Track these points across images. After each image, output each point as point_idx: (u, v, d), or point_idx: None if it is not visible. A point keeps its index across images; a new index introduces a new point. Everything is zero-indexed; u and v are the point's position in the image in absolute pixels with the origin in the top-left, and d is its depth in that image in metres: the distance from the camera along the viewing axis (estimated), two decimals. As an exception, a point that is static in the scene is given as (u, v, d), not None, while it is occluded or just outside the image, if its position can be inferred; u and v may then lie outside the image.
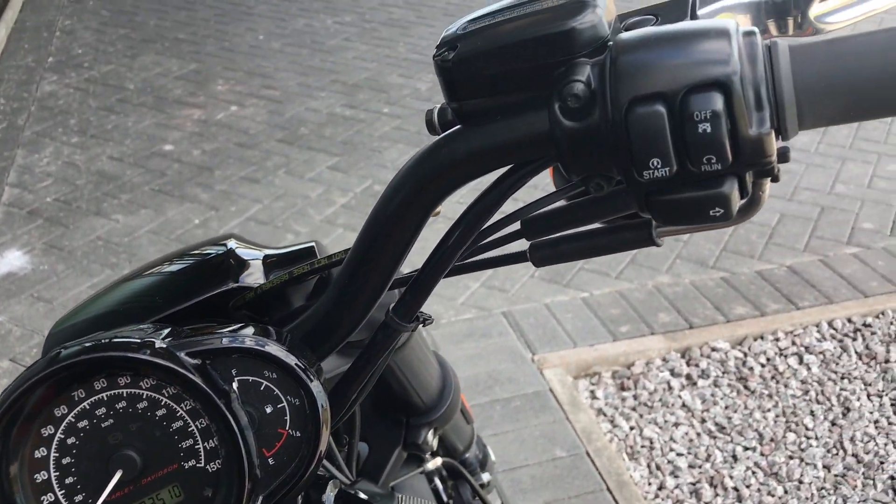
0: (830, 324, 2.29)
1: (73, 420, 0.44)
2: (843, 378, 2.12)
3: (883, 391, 2.07)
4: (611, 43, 0.40)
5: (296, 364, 0.46)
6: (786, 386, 2.10)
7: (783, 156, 0.41)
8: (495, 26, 0.42)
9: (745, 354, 2.20)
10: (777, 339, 2.24)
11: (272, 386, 0.46)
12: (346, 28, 4.63)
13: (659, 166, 0.39)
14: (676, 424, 2.01)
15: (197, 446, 0.44)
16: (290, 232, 2.75)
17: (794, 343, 2.23)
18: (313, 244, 0.62)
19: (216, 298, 0.56)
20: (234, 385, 0.45)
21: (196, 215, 2.86)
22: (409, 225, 0.46)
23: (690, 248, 2.62)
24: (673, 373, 2.15)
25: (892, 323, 2.29)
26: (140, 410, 0.44)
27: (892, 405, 2.04)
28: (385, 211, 0.46)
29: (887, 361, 2.17)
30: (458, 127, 0.45)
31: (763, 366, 2.17)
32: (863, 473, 1.86)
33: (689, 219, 0.40)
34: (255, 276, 0.59)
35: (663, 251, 2.58)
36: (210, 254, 0.62)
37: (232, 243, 0.62)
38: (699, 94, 0.37)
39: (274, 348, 0.46)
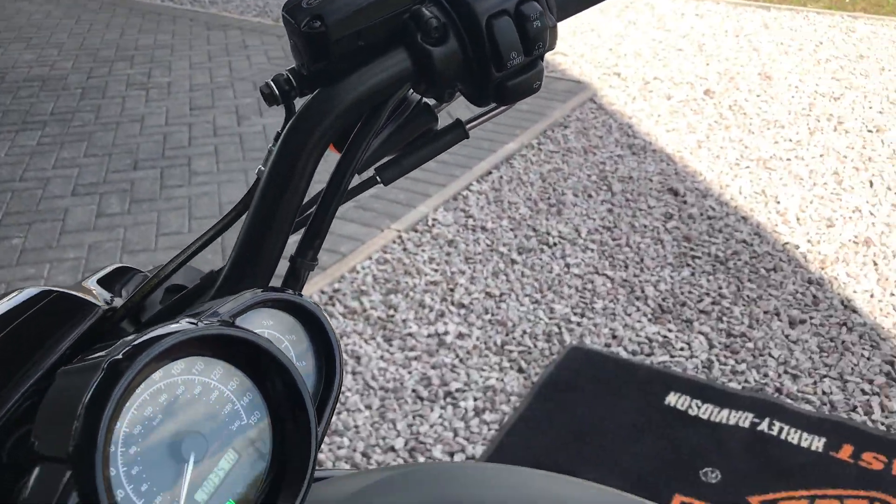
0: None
1: (137, 408, 0.42)
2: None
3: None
4: None
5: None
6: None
7: None
8: None
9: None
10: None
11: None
12: None
13: (516, 57, 0.56)
14: None
15: (243, 422, 0.46)
16: None
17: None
18: (120, 264, 0.63)
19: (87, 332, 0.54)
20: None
21: None
22: (304, 178, 0.54)
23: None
24: None
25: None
26: (195, 395, 0.45)
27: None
28: (277, 177, 0.54)
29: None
30: (318, 90, 0.55)
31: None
32: None
33: (525, 94, 0.58)
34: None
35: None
36: (33, 301, 0.57)
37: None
38: (527, 4, 0.56)
39: (288, 295, 0.50)
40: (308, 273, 0.57)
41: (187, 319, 0.45)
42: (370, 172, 0.62)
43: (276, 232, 0.55)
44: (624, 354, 2.36)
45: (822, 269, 2.78)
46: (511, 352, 2.38)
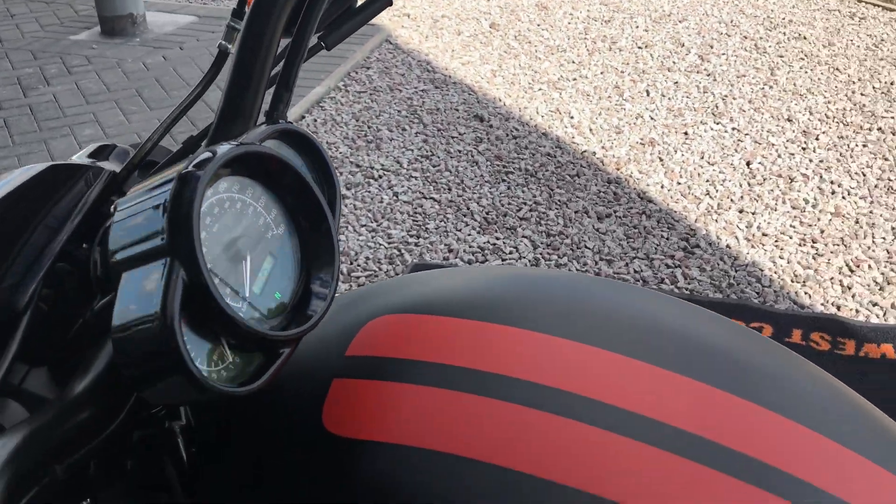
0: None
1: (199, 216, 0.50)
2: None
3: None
4: None
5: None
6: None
7: None
8: None
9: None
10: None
11: None
12: None
13: None
14: None
15: (274, 232, 0.57)
16: None
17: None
18: (99, 143, 0.69)
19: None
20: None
21: None
22: (273, 40, 0.64)
23: None
24: None
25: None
26: (237, 210, 0.53)
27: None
28: (252, 39, 0.63)
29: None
30: None
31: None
32: None
33: None
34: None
35: None
36: (44, 174, 0.62)
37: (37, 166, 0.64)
38: None
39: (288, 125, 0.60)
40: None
41: (226, 146, 0.54)
42: (314, 41, 0.73)
43: (256, 86, 0.64)
44: (461, 264, 2.56)
45: (618, 169, 3.11)
46: (358, 277, 2.51)
